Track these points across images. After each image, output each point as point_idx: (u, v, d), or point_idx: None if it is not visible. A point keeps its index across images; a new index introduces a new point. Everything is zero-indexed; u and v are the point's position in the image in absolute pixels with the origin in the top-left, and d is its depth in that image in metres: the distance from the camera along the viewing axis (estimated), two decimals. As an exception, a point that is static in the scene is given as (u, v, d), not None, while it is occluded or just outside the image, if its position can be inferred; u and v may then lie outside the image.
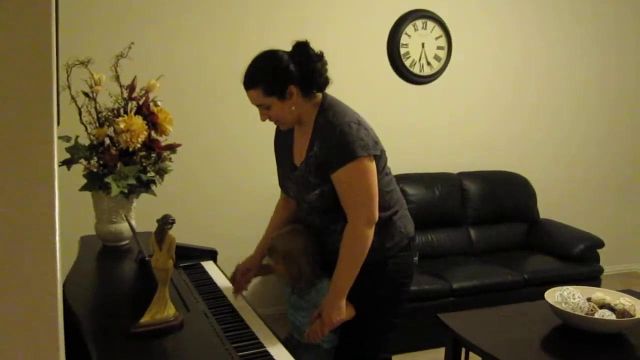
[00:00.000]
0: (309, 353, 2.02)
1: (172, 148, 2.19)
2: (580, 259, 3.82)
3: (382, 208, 1.95)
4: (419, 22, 4.00)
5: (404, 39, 3.97)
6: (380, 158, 1.96)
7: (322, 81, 1.97)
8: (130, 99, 2.13)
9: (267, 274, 2.24)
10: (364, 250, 1.91)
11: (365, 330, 2.03)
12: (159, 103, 2.16)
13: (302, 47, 1.94)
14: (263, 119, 1.98)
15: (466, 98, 4.26)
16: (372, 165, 1.90)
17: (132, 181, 2.04)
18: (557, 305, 2.26)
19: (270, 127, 2.24)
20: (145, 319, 1.48)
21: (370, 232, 1.91)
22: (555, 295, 2.34)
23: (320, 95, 2.00)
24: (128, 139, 2.01)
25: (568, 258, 3.84)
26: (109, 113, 2.09)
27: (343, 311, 1.93)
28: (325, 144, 1.91)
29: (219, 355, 1.44)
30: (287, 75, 1.89)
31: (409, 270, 2.10)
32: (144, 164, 2.13)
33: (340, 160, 1.87)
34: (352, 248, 1.91)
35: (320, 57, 1.95)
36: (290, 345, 1.95)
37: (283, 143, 2.11)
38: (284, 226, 2.15)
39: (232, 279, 2.11)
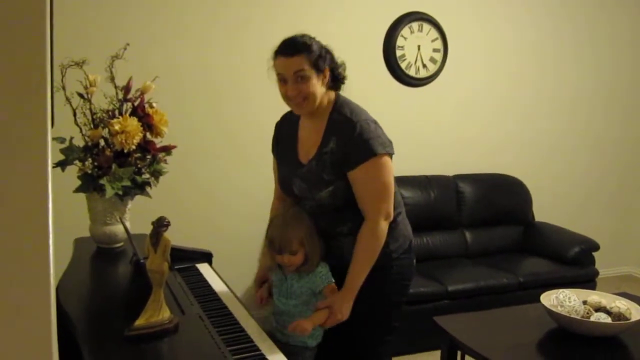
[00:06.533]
0: (294, 354, 1.97)
1: (167, 150, 2.18)
2: (575, 261, 3.83)
3: None
4: (415, 25, 4.00)
5: (400, 41, 3.97)
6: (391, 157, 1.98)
7: (343, 78, 1.99)
8: (126, 100, 2.11)
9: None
10: (380, 245, 1.92)
11: (365, 334, 2.02)
12: (154, 104, 2.15)
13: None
14: (292, 93, 1.87)
15: (462, 101, 4.26)
16: (391, 163, 1.94)
17: (127, 183, 2.03)
18: (553, 308, 2.26)
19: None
20: (139, 322, 1.46)
21: (387, 228, 1.93)
22: (551, 298, 2.34)
23: (333, 93, 2.00)
24: (123, 141, 2.00)
25: (563, 261, 3.85)
26: (104, 114, 2.08)
27: (350, 307, 1.92)
28: (344, 141, 1.90)
29: (214, 359, 1.43)
30: (327, 55, 1.92)
31: (410, 273, 2.10)
32: (139, 166, 2.12)
33: (362, 156, 1.87)
34: (370, 243, 1.91)
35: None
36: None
37: (285, 141, 2.09)
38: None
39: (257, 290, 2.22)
